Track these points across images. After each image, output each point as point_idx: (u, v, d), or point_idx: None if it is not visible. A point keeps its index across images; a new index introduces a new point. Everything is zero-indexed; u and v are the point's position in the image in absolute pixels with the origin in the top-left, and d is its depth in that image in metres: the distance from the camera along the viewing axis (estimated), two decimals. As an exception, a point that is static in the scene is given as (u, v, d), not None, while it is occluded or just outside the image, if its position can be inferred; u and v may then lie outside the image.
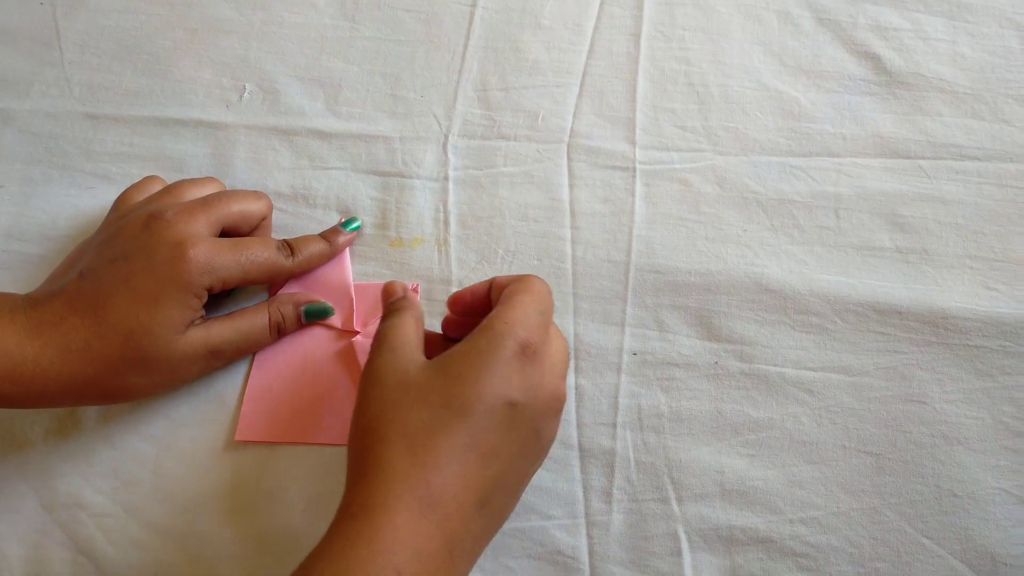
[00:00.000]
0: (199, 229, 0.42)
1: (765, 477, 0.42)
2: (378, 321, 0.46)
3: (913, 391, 0.43)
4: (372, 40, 0.55)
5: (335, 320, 0.47)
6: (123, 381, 0.41)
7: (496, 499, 0.35)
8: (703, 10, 0.54)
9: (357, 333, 0.46)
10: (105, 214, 0.50)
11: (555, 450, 0.43)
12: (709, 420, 0.44)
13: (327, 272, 0.48)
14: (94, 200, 0.51)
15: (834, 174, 0.48)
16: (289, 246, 0.46)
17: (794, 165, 0.49)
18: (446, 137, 0.51)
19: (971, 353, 0.44)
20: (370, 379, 0.37)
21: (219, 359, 0.44)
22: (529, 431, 0.36)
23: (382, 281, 0.48)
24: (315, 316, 0.46)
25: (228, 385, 0.46)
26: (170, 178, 0.51)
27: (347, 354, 0.46)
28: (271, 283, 0.48)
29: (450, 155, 0.51)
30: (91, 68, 0.55)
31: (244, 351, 0.46)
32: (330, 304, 0.47)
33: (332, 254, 0.47)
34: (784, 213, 0.48)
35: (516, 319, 0.36)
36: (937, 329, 0.44)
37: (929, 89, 0.50)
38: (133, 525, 0.43)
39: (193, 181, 0.47)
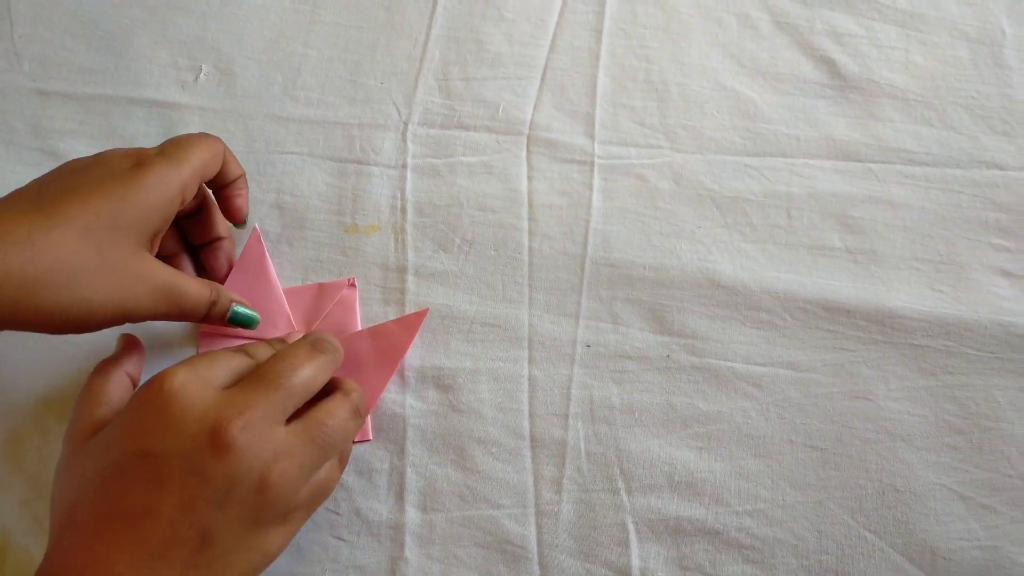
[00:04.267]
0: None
1: (713, 469, 0.43)
2: (322, 325, 0.46)
3: (859, 388, 0.44)
4: (333, 25, 0.54)
5: (273, 332, 0.45)
6: None
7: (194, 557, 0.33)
8: (664, 10, 0.54)
9: (287, 314, 0.46)
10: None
11: (506, 440, 0.43)
12: (660, 412, 0.44)
13: (252, 282, 0.46)
14: (41, 177, 0.50)
15: (787, 174, 0.49)
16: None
17: (748, 164, 0.50)
18: (405, 125, 0.51)
19: (916, 352, 0.45)
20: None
21: (160, 311, 0.40)
22: (186, 476, 0.33)
23: (335, 268, 0.48)
24: (239, 321, 0.43)
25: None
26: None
27: None
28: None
29: (409, 143, 0.51)
30: (43, 43, 0.54)
31: (181, 315, 0.41)
32: (256, 315, 0.44)
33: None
34: (737, 211, 0.48)
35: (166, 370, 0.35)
36: (883, 328, 0.45)
37: (881, 95, 0.51)
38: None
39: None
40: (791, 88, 0.52)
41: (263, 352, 0.38)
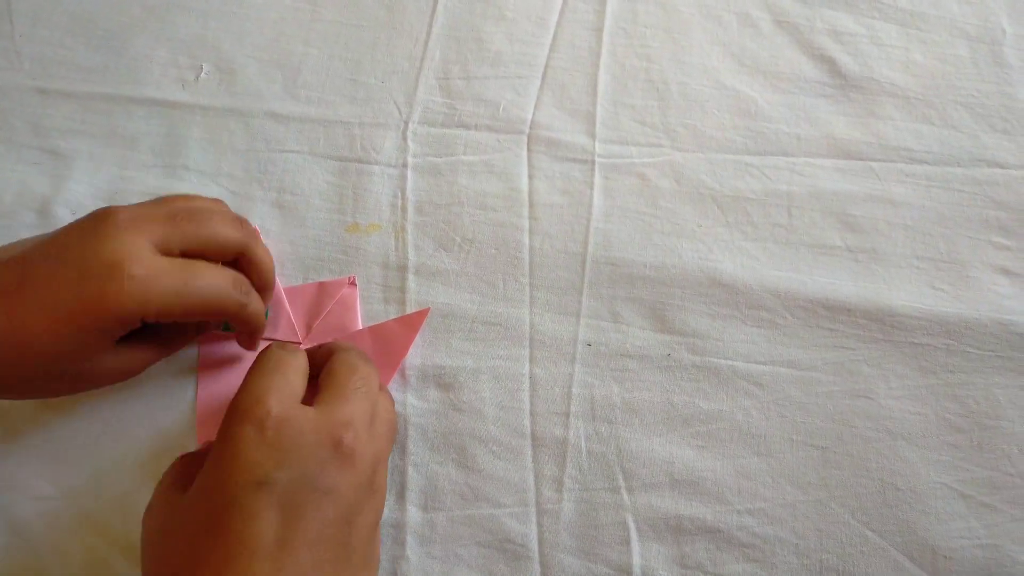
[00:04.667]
0: (144, 244, 0.36)
1: (714, 468, 0.43)
2: (323, 323, 0.45)
3: (859, 386, 0.44)
4: (333, 24, 0.54)
5: (274, 331, 0.45)
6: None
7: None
8: (665, 9, 0.54)
9: (298, 344, 0.45)
10: (52, 189, 0.49)
11: (507, 438, 0.44)
12: (661, 411, 0.44)
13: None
14: (41, 175, 0.50)
15: (788, 173, 0.49)
16: (244, 284, 0.40)
17: (749, 163, 0.50)
18: (406, 124, 0.51)
19: (916, 351, 0.45)
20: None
21: (128, 375, 0.40)
22: (304, 498, 0.33)
23: (336, 267, 0.48)
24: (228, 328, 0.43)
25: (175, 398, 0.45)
26: (120, 156, 0.50)
27: None
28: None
29: (410, 142, 0.51)
30: (43, 42, 0.54)
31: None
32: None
33: (260, 332, 0.42)
34: (738, 210, 0.48)
35: (248, 394, 0.35)
36: (884, 326, 0.45)
37: (882, 93, 0.51)
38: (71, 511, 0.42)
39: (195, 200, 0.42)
40: (792, 87, 0.52)
41: (297, 350, 0.39)
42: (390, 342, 0.45)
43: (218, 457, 0.33)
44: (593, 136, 0.51)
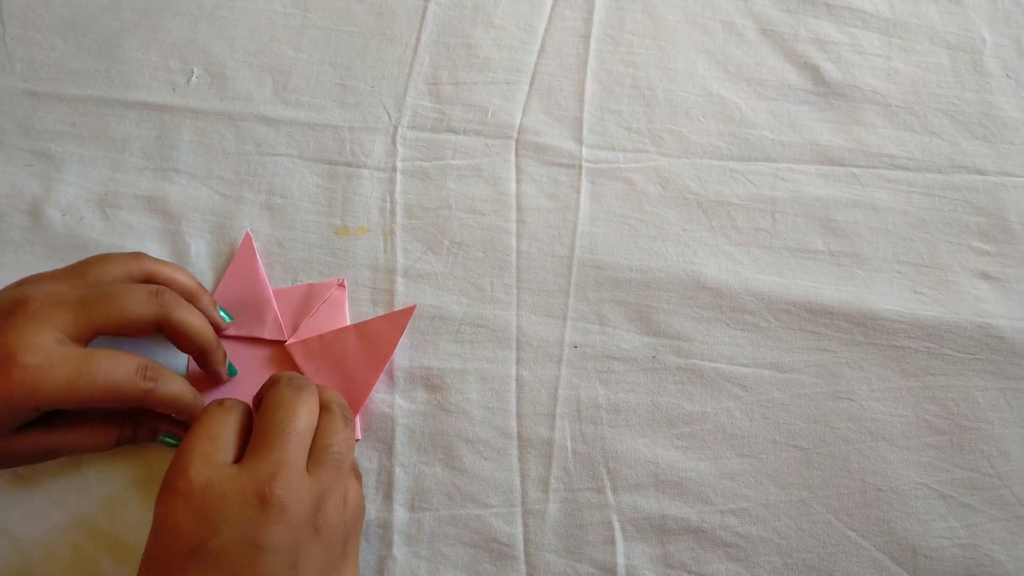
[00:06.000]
0: (49, 333, 0.36)
1: (698, 469, 0.43)
2: (310, 322, 0.46)
3: (841, 388, 0.45)
4: (323, 30, 0.55)
5: (261, 330, 0.46)
6: None
7: None
8: (652, 17, 0.55)
9: (284, 342, 0.46)
10: (43, 191, 0.49)
11: (494, 439, 0.44)
12: (645, 412, 0.45)
13: (241, 283, 0.47)
14: (32, 177, 0.50)
15: (771, 179, 0.50)
16: (150, 371, 0.38)
17: (734, 169, 0.50)
18: (395, 128, 0.52)
19: (897, 353, 0.45)
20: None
21: (57, 456, 0.40)
22: (242, 558, 0.33)
23: (325, 269, 0.48)
24: (170, 444, 0.42)
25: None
26: (111, 158, 0.51)
27: (283, 359, 0.46)
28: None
29: (399, 146, 0.51)
30: (34, 45, 0.54)
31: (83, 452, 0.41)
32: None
33: (194, 408, 0.40)
34: (723, 214, 0.49)
35: (174, 467, 0.35)
36: (866, 330, 0.46)
37: (864, 101, 0.52)
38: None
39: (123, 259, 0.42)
40: (775, 94, 0.52)
41: (234, 403, 0.38)
42: (376, 339, 0.45)
43: (154, 531, 0.34)
44: (580, 141, 0.51)
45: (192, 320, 0.41)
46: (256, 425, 0.36)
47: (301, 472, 0.35)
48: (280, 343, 0.46)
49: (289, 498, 0.34)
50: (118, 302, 0.39)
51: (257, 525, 0.33)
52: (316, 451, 0.36)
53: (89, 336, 0.38)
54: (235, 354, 0.45)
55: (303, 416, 0.36)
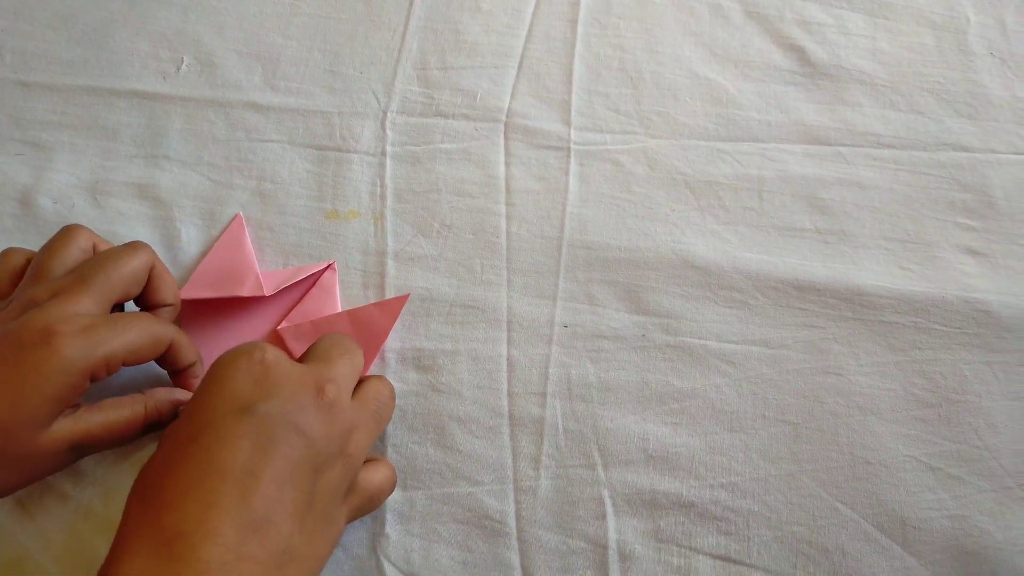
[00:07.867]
0: (76, 309, 0.37)
1: (687, 444, 0.44)
2: (301, 307, 0.46)
3: (830, 364, 0.45)
4: (312, 17, 0.55)
5: (241, 288, 0.46)
6: None
7: (284, 514, 0.33)
8: (638, 0, 0.55)
9: (264, 297, 0.46)
10: (34, 179, 0.49)
11: (485, 418, 0.44)
12: (635, 390, 0.45)
13: (226, 255, 0.47)
14: (23, 166, 0.50)
15: (758, 158, 0.50)
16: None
17: (721, 149, 0.51)
18: (384, 113, 0.52)
19: (885, 328, 0.46)
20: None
21: (83, 454, 0.39)
22: (279, 433, 0.34)
23: (316, 253, 0.48)
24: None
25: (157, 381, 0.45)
26: (102, 146, 0.51)
27: (275, 344, 0.45)
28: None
29: (388, 131, 0.51)
30: (24, 36, 0.54)
31: (112, 445, 0.40)
32: None
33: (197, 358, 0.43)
34: (710, 194, 0.49)
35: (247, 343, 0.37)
36: (853, 305, 0.46)
37: (850, 81, 0.52)
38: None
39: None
40: (762, 75, 0.53)
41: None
42: (369, 326, 0.45)
43: (206, 386, 0.35)
44: (568, 124, 0.51)
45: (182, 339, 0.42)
46: (313, 349, 0.39)
47: (349, 394, 0.38)
48: (273, 330, 0.46)
49: (339, 406, 0.36)
50: (114, 261, 0.40)
51: (306, 410, 0.35)
52: (362, 395, 0.39)
53: (108, 306, 0.40)
54: (228, 339, 0.46)
55: (356, 354, 0.40)
